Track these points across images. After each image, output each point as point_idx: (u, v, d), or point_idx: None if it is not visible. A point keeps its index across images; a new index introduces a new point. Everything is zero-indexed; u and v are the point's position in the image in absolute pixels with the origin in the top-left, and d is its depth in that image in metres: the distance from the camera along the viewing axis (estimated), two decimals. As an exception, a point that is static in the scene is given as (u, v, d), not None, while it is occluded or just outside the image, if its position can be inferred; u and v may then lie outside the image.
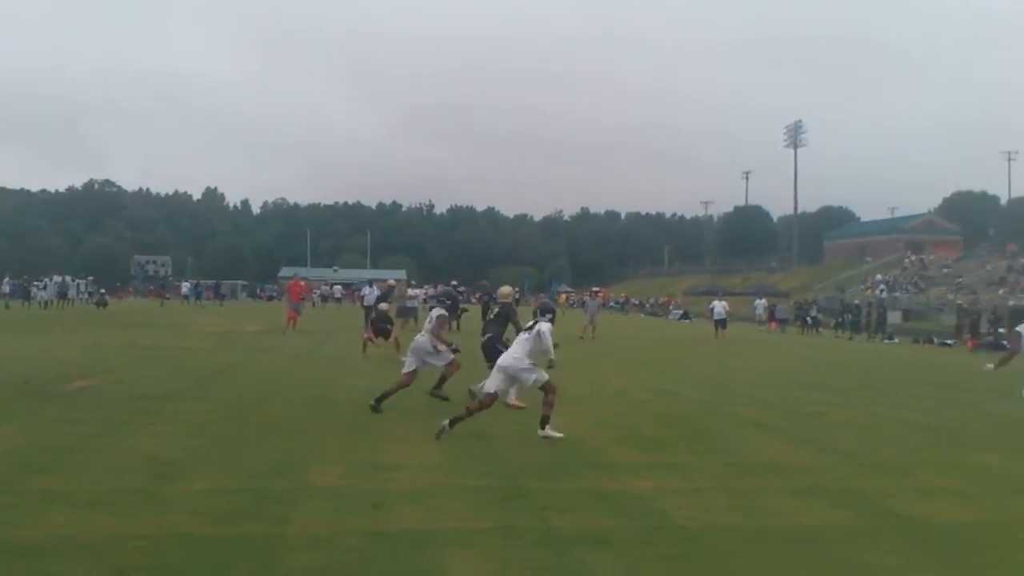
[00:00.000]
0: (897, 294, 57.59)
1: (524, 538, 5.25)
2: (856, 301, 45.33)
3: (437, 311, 10.51)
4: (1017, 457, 8.61)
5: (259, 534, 5.21)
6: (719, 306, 33.48)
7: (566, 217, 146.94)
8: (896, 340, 34.71)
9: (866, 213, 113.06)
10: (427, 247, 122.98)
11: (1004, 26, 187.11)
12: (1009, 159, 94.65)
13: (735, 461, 8.00)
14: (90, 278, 63.55)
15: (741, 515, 6.01)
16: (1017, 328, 10.82)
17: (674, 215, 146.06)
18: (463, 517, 5.70)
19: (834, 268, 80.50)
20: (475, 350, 11.72)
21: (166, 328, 27.46)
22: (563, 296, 73.20)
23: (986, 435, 9.94)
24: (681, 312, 58.67)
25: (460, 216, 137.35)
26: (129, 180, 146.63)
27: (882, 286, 59.91)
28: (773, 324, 42.46)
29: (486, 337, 11.40)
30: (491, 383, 8.71)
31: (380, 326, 17.78)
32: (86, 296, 54.82)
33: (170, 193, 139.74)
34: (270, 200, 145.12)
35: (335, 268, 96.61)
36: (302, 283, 28.54)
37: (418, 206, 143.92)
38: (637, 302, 74.40)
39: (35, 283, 48.46)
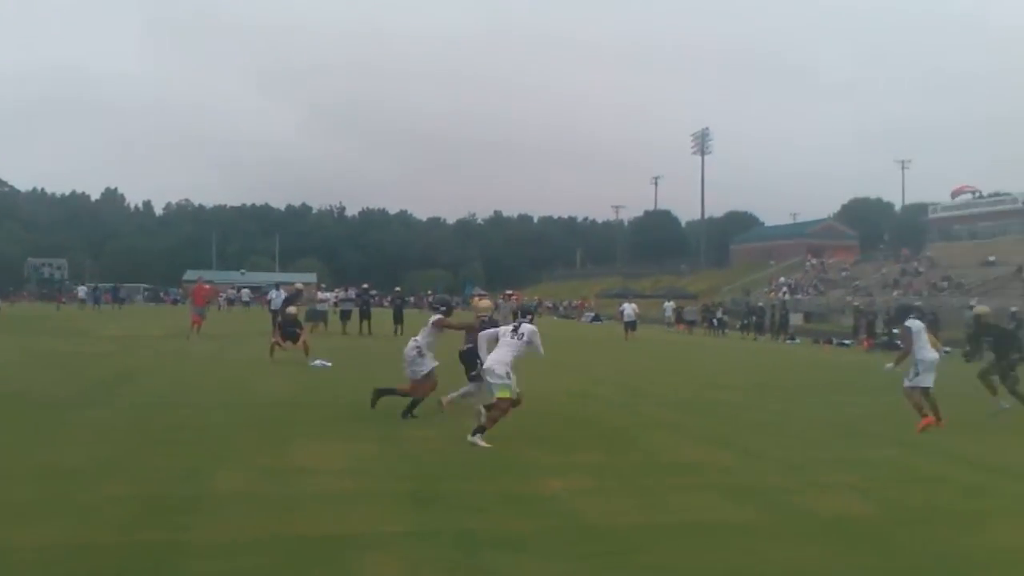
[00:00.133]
0: (799, 296, 59.65)
1: (437, 541, 5.21)
2: (760, 303, 46.69)
3: (434, 316, 10.53)
4: (910, 451, 8.98)
5: (162, 542, 5.03)
6: (629, 308, 34.12)
7: (479, 220, 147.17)
8: (798, 341, 35.93)
9: (770, 218, 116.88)
10: (338, 250, 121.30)
11: (896, 42, 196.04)
12: (903, 167, 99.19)
13: (645, 460, 8.14)
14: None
15: (651, 513, 6.11)
16: (906, 323, 11.30)
17: (586, 219, 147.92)
18: (375, 521, 5.62)
19: (740, 271, 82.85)
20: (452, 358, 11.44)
21: (64, 333, 26.36)
22: (476, 299, 73.22)
23: (882, 431, 10.35)
24: (593, 314, 59.46)
25: (372, 219, 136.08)
26: (22, 180, 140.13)
27: (785, 289, 61.93)
28: (681, 326, 43.45)
29: (467, 347, 11.08)
30: (494, 387, 8.68)
31: (288, 330, 17.43)
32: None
33: (67, 193, 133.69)
34: (174, 201, 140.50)
35: (242, 271, 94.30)
36: (207, 286, 27.79)
37: (329, 208, 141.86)
38: (550, 304, 74.98)
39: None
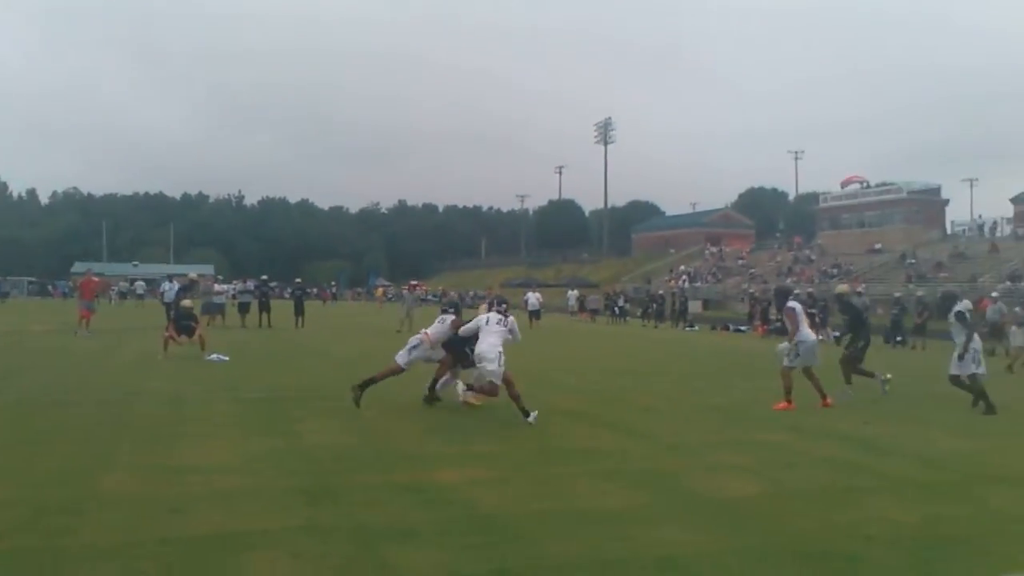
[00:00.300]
0: (698, 284, 61.26)
1: (331, 535, 5.14)
2: (661, 291, 47.77)
3: (449, 316, 10.92)
4: (796, 433, 9.33)
5: (39, 548, 4.80)
6: (533, 297, 34.45)
7: (383, 210, 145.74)
8: (696, 328, 36.90)
9: (671, 208, 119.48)
10: (236, 240, 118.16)
11: (789, 40, 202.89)
12: (796, 158, 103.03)
13: (542, 448, 8.21)
14: None
15: (548, 500, 6.16)
16: (789, 304, 11.74)
17: (491, 208, 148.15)
18: (266, 518, 5.50)
19: (641, 260, 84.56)
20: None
21: (-63, 330, 24.90)
22: (380, 290, 72.47)
23: (772, 414, 10.71)
24: (497, 304, 59.63)
25: (272, 208, 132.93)
26: None
27: (684, 277, 63.49)
28: (584, 314, 44.10)
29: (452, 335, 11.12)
30: (491, 374, 9.59)
31: (183, 323, 16.90)
32: None
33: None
34: (60, 190, 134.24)
35: (135, 263, 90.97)
36: (95, 279, 26.74)
37: (226, 197, 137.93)
38: (456, 294, 74.91)
39: None
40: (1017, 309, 19.82)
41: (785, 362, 11.25)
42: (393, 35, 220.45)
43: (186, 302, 18.24)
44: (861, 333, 13.15)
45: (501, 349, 9.67)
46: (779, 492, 6.60)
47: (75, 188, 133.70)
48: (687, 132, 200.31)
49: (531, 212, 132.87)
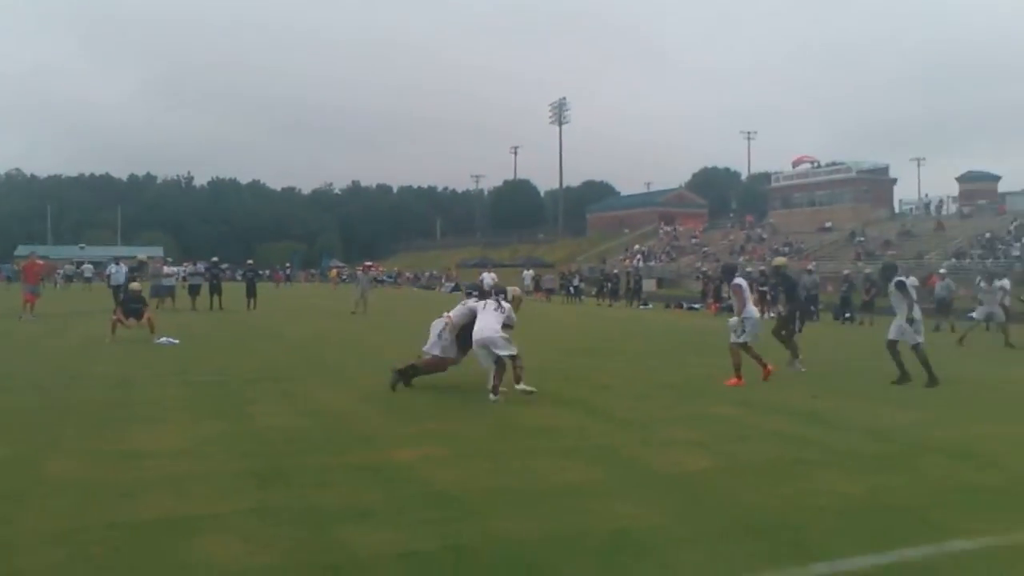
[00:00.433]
0: (652, 263, 61.77)
1: (283, 518, 5.08)
2: (615, 271, 48.05)
3: (471, 302, 10.83)
4: (747, 408, 9.45)
5: (-21, 537, 4.68)
6: (488, 278, 34.39)
7: (336, 190, 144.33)
8: (650, 306, 37.21)
9: (625, 187, 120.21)
10: (186, 222, 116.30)
11: (743, 22, 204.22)
12: (748, 138, 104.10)
13: (498, 426, 8.20)
14: None
15: (504, 477, 6.16)
16: (735, 281, 11.91)
17: (446, 188, 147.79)
18: (218, 501, 5.43)
19: (596, 239, 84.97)
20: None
21: None
22: (334, 271, 71.90)
23: (724, 390, 10.84)
24: (453, 284, 59.54)
25: (222, 189, 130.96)
26: None
27: (639, 256, 63.95)
28: (540, 294, 44.20)
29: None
30: (483, 361, 9.80)
31: (132, 307, 16.57)
32: None
33: None
34: (2, 171, 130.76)
35: (82, 246, 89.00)
36: (40, 262, 26.02)
37: (175, 178, 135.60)
38: (411, 275, 74.66)
39: None
40: (982, 284, 20.03)
41: (733, 338, 11.41)
42: (343, 11, 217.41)
43: (135, 285, 17.89)
44: (794, 304, 13.85)
45: (499, 326, 9.85)
46: (731, 466, 6.68)
47: (17, 169, 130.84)
48: (642, 113, 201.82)
49: (486, 192, 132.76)
